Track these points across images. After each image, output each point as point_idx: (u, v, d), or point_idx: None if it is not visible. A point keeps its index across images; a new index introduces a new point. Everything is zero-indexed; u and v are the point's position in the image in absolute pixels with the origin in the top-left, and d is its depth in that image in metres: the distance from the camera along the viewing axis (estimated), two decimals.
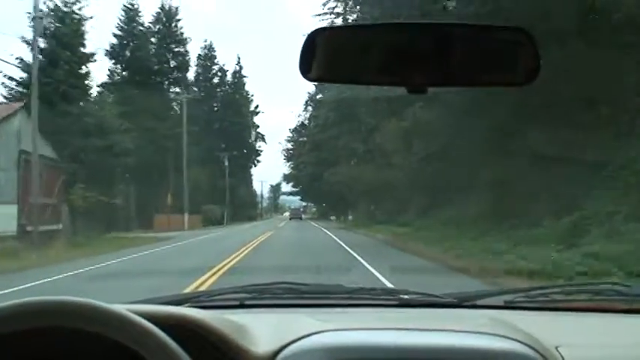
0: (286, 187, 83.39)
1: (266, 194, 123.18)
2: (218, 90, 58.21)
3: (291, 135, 68.66)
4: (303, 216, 75.39)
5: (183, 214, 37.62)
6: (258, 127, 67.04)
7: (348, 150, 38.89)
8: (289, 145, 68.76)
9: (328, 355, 0.94)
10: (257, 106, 65.49)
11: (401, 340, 1.02)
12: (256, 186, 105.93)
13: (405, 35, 0.92)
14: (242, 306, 1.37)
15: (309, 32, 0.92)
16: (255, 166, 71.16)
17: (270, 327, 1.08)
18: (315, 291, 1.50)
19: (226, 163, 52.82)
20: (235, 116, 58.71)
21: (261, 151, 68.59)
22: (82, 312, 0.82)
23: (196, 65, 56.01)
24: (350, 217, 46.55)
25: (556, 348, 1.01)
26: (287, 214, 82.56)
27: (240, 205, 59.38)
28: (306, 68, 0.91)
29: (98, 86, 39.97)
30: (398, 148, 25.25)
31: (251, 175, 74.81)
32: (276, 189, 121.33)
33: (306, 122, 62.01)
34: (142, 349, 0.82)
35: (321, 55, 0.90)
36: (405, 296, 1.42)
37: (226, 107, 58.52)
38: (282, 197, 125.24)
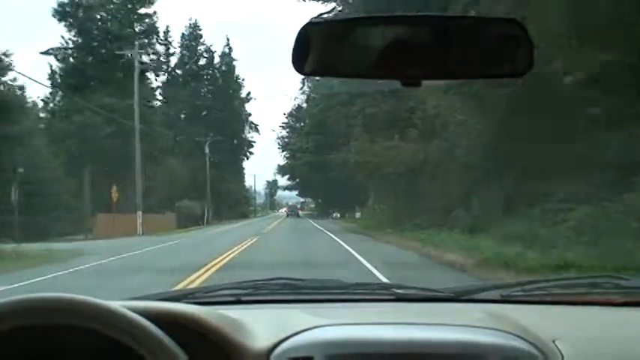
0: (282, 181, 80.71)
1: (262, 190, 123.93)
2: (204, 74, 55.88)
3: (286, 120, 65.29)
4: (300, 213, 73.45)
5: (137, 214, 30.73)
6: (250, 115, 64.52)
7: (365, 118, 27.08)
8: (284, 133, 65.84)
9: (325, 350, 1.03)
10: (249, 93, 62.95)
11: (397, 335, 1.11)
12: (250, 181, 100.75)
13: (399, 28, 1.00)
14: (238, 302, 1.46)
15: (301, 25, 0.99)
16: (247, 159, 68.23)
17: (267, 322, 1.16)
18: (312, 286, 1.61)
19: (207, 151, 48.51)
20: (224, 103, 56.20)
21: (254, 143, 66.08)
22: (78, 308, 0.90)
23: (180, 46, 54.27)
24: (357, 215, 43.34)
25: (553, 341, 1.08)
26: (282, 210, 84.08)
27: (230, 201, 56.91)
28: (300, 62, 0.98)
29: (42, 53, 35.38)
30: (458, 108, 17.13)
31: (243, 169, 71.60)
32: (272, 185, 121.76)
33: (304, 105, 57.14)
34: (137, 345, 0.90)
35: (315, 49, 0.97)
36: (402, 291, 1.53)
37: (214, 93, 56.22)
38: (280, 194, 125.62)
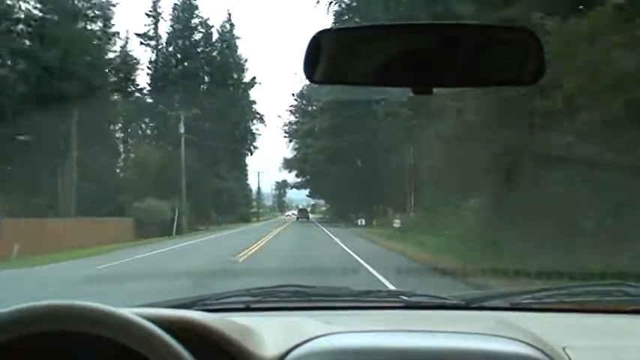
0: (290, 178, 75.22)
1: (269, 191, 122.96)
2: (199, 52, 51.98)
3: (295, 102, 58.45)
4: (310, 216, 70.72)
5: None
6: (254, 103, 59.42)
7: None
8: (292, 118, 59.80)
9: (335, 358, 1.16)
10: (254, 78, 58.26)
11: (407, 342, 1.24)
12: (253, 179, 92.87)
13: (410, 36, 1.15)
14: (248, 309, 1.63)
15: (313, 34, 1.14)
16: (250, 154, 63.29)
17: (277, 330, 1.30)
18: (322, 293, 1.80)
19: (181, 129, 40.25)
20: (223, 87, 51.85)
21: (259, 136, 61.70)
22: (89, 315, 1.02)
23: (170, 18, 50.21)
24: (397, 224, 25.96)
25: (563, 349, 1.23)
26: (289, 214, 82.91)
27: (229, 202, 53.49)
28: (311, 70, 1.13)
29: None
30: None
31: (245, 166, 65.87)
32: (281, 185, 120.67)
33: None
34: (148, 352, 1.02)
35: (326, 57, 1.13)
36: (412, 298, 1.71)
37: (211, 75, 52.73)
38: (289, 196, 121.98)
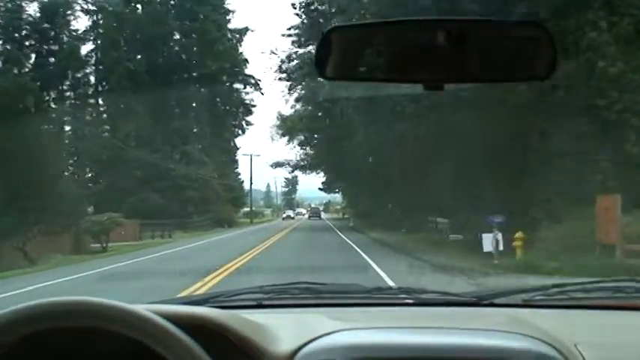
0: (283, 151, 63.40)
1: (275, 188, 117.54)
2: None
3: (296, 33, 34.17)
4: (323, 215, 66.33)
5: None
6: (246, 62, 44.17)
7: None
8: (293, 51, 34.85)
9: (346, 354, 1.17)
10: (246, 29, 44.46)
11: (418, 339, 1.25)
12: (244, 166, 79.70)
13: (421, 32, 1.15)
14: (260, 306, 1.65)
15: (324, 31, 1.17)
16: (242, 132, 48.25)
17: (288, 326, 1.32)
18: (333, 290, 1.81)
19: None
20: (201, 36, 38.74)
21: (254, 107, 46.47)
22: (105, 312, 1.03)
23: None
24: None
25: (575, 346, 1.23)
26: (290, 214, 66.93)
27: (202, 198, 38.17)
28: (322, 66, 1.15)
29: None
30: None
31: (236, 149, 49.60)
32: (292, 182, 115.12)
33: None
34: (162, 348, 1.03)
35: (337, 53, 1.14)
36: (423, 295, 1.72)
37: (181, 17, 38.98)
38: (300, 193, 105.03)
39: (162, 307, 1.19)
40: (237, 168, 52.53)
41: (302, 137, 43.78)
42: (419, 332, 1.32)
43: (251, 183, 59.92)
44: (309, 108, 36.06)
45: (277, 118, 46.33)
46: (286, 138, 45.71)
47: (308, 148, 46.06)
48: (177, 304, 1.44)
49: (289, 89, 37.33)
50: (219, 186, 42.80)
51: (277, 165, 52.05)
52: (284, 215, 71.24)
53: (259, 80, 46.19)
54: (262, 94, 50.44)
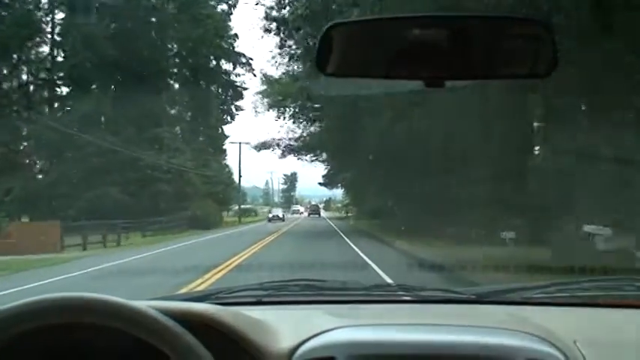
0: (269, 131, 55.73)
1: (272, 184, 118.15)
2: None
3: None
4: (323, 214, 62.62)
5: None
6: (234, 38, 42.18)
7: None
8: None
9: (345, 351, 1.30)
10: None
11: (417, 336, 1.38)
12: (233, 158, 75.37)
13: (422, 29, 1.30)
14: (260, 303, 1.83)
15: (325, 27, 1.30)
16: (231, 118, 46.86)
17: (288, 323, 1.45)
18: (333, 287, 2.02)
19: None
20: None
21: (245, 89, 44.49)
22: (105, 307, 1.15)
23: None
24: None
25: (574, 343, 1.37)
26: (277, 214, 58.27)
27: (174, 194, 36.20)
28: (323, 63, 1.31)
29: None
30: None
31: (224, 137, 48.38)
32: (291, 178, 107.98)
33: None
34: (163, 345, 1.15)
35: (338, 50, 1.30)
36: (422, 292, 1.90)
37: None
38: (299, 191, 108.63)
39: (162, 304, 1.31)
40: (225, 159, 49.27)
41: (296, 108, 36.71)
42: (418, 329, 1.47)
43: (240, 175, 57.03)
44: (308, 64, 25.35)
45: (262, 80, 39.04)
46: (276, 111, 38.97)
47: (305, 124, 39.56)
48: (177, 301, 1.58)
49: (281, 44, 29.85)
50: (198, 178, 39.82)
51: (263, 147, 45.70)
52: (270, 215, 57.80)
53: (251, 59, 43.32)
54: (255, 75, 46.36)
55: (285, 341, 1.36)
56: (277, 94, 37.32)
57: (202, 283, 14.41)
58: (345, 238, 27.50)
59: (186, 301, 1.67)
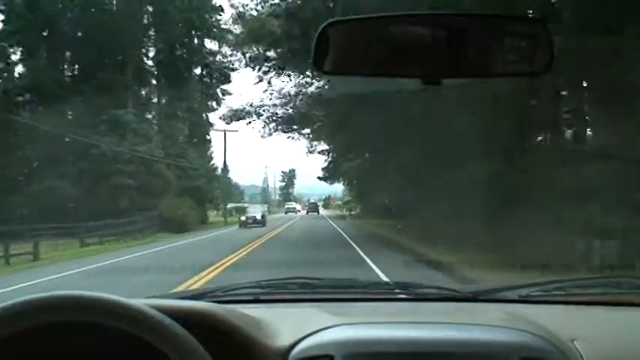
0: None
1: (267, 180, 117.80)
2: None
3: None
4: (323, 212, 63.67)
5: None
6: (220, 11, 39.49)
7: None
8: None
9: (344, 349, 1.42)
10: None
11: (415, 334, 1.50)
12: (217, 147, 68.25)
13: (420, 27, 1.43)
14: (257, 301, 1.97)
15: (321, 25, 1.41)
16: (218, 105, 44.55)
17: (286, 321, 1.56)
18: (330, 285, 2.15)
19: None
20: None
21: (233, 71, 41.41)
22: (103, 306, 1.23)
23: None
24: None
25: (572, 341, 1.48)
26: (254, 215, 45.05)
27: (134, 190, 33.71)
28: (320, 61, 1.46)
29: None
30: None
31: (209, 125, 46.73)
32: (290, 175, 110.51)
33: None
34: (162, 343, 1.24)
35: (335, 48, 1.44)
36: (420, 290, 2.03)
37: None
38: (298, 189, 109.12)
39: (160, 302, 1.41)
40: (210, 150, 45.64)
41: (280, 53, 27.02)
42: (415, 327, 1.60)
43: (225, 168, 53.07)
44: None
45: (233, 18, 30.76)
46: (256, 67, 30.31)
47: (295, 77, 30.77)
48: (175, 299, 1.68)
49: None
50: (172, 171, 35.69)
51: (235, 117, 38.03)
52: (243, 218, 45.99)
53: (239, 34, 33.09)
54: (244, 55, 32.31)
55: (282, 339, 1.48)
56: (253, 37, 27.68)
57: None
58: (359, 250, 20.98)
59: (184, 299, 1.80)
